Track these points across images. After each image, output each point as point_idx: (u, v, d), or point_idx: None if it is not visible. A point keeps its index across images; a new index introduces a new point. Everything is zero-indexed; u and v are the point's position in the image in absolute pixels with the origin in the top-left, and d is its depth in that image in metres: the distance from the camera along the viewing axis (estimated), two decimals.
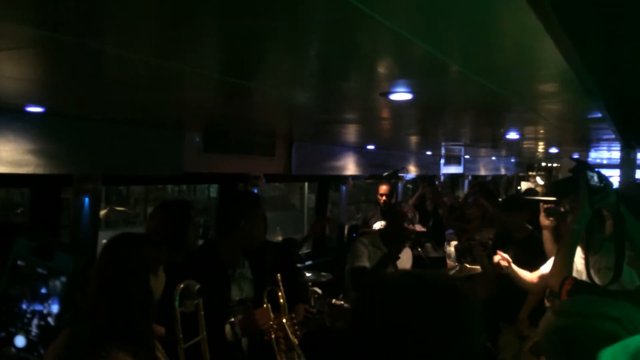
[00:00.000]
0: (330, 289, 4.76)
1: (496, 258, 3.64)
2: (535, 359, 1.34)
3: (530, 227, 4.11)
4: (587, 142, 5.91)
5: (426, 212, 6.23)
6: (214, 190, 9.48)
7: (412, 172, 7.57)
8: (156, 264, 1.68)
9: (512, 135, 4.62)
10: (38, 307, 0.75)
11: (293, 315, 2.66)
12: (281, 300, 2.59)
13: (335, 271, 4.89)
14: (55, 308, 0.74)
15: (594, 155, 8.39)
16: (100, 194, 3.45)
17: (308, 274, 4.77)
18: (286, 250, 4.20)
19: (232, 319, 2.44)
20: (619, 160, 7.77)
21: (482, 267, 4.68)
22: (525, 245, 4.07)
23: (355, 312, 1.01)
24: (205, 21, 1.30)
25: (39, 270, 0.75)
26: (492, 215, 5.58)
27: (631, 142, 5.33)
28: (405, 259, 3.91)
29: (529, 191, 7.44)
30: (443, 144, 6.23)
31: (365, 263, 3.62)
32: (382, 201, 5.58)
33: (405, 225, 3.67)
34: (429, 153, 7.64)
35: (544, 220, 3.60)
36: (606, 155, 8.14)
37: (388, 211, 4.11)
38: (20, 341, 0.74)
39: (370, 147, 6.01)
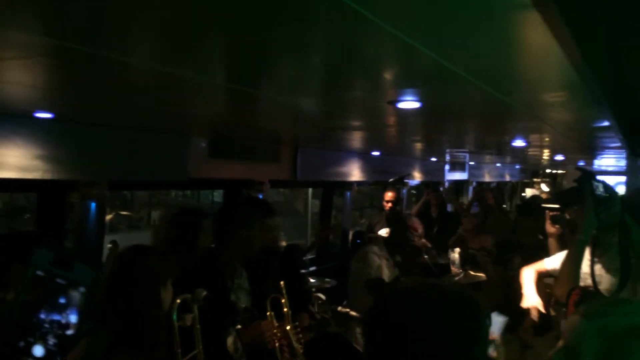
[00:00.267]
0: (334, 295, 4.75)
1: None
2: None
3: (541, 237, 4.08)
4: (593, 150, 5.89)
5: (431, 219, 6.22)
6: (217, 195, 9.50)
7: (417, 178, 7.56)
8: (165, 277, 1.70)
9: (518, 142, 4.61)
10: (57, 317, 0.75)
11: (297, 323, 2.62)
12: (285, 309, 2.55)
13: (339, 277, 4.88)
14: (73, 318, 0.74)
15: (600, 163, 8.37)
16: (106, 199, 3.46)
17: (312, 280, 4.76)
18: (289, 257, 4.20)
19: (239, 327, 2.42)
20: (624, 167, 7.74)
21: (486, 275, 4.67)
22: (532, 252, 4.05)
23: (371, 320, 1.00)
24: (212, 30, 1.31)
25: (59, 280, 0.76)
26: (494, 221, 5.58)
27: (637, 150, 5.32)
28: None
29: (534, 198, 7.43)
30: (448, 150, 6.23)
31: (380, 274, 3.62)
32: (387, 207, 5.57)
33: (416, 242, 3.67)
34: (433, 159, 7.63)
35: (550, 228, 3.59)
36: (612, 162, 8.11)
37: (396, 222, 4.10)
38: (38, 351, 0.74)
39: (375, 153, 6.01)
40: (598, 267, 2.40)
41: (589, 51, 1.57)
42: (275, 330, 2.48)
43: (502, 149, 6.04)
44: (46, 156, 2.86)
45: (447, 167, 8.27)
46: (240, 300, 2.62)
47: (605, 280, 2.37)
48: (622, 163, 7.47)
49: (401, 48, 1.45)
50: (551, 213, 3.57)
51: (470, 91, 2.07)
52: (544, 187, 12.90)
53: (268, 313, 2.50)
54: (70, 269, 0.75)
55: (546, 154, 6.73)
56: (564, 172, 12.54)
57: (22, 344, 0.75)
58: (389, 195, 5.56)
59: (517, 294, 4.05)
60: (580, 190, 2.15)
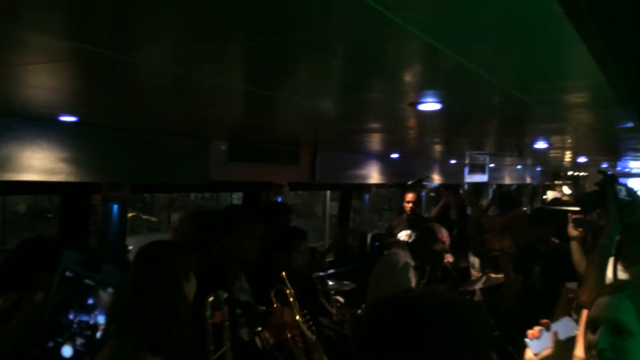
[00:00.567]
0: (352, 298, 4.74)
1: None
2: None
3: (556, 241, 4.02)
4: (617, 152, 5.79)
5: (450, 222, 6.17)
6: (237, 197, 9.55)
7: (436, 180, 7.50)
8: (186, 270, 1.70)
9: (540, 144, 4.55)
10: (85, 318, 0.75)
11: (305, 311, 2.64)
12: (291, 299, 2.56)
13: (358, 280, 4.87)
14: (101, 319, 0.75)
15: (624, 165, 8.22)
16: (129, 201, 3.50)
17: (331, 283, 4.76)
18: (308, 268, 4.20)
19: (260, 328, 2.43)
20: None
21: (506, 278, 4.61)
22: (551, 258, 3.99)
23: (367, 325, 0.97)
24: (233, 33, 1.31)
25: (87, 281, 0.76)
26: (512, 224, 5.51)
27: None
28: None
29: (555, 201, 7.32)
30: (468, 152, 6.18)
31: (405, 279, 3.63)
32: (407, 208, 5.54)
33: (436, 247, 3.67)
34: (453, 161, 7.57)
35: (572, 231, 3.53)
36: (636, 165, 7.96)
37: (422, 229, 4.08)
38: (67, 351, 0.75)
39: (394, 155, 5.98)
40: (623, 274, 2.36)
41: (614, 51, 1.54)
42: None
43: (523, 151, 5.97)
44: (70, 159, 2.91)
45: (466, 169, 8.20)
46: None
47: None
48: None
49: (424, 50, 1.44)
50: (573, 216, 3.52)
51: (492, 92, 2.05)
52: (566, 190, 12.72)
53: (275, 305, 2.50)
54: (98, 270, 0.76)
55: (568, 155, 6.63)
56: (586, 174, 12.35)
57: (51, 344, 0.76)
58: (409, 196, 5.52)
59: (535, 304, 4.00)
60: (602, 193, 2.11)
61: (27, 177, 2.72)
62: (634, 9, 1.50)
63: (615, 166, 8.35)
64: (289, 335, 2.49)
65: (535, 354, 1.42)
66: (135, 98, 2.26)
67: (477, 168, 8.41)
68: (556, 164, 9.35)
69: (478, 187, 9.35)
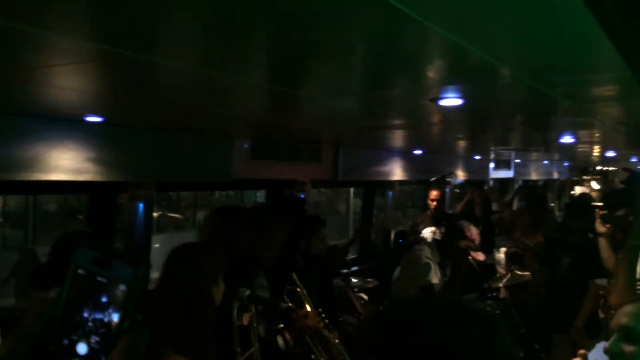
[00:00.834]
0: (376, 295, 4.73)
1: None
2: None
3: (591, 235, 3.95)
4: None
5: (475, 218, 6.10)
6: (260, 195, 9.62)
7: (460, 176, 7.43)
8: (215, 273, 1.72)
9: (566, 139, 4.47)
10: (99, 316, 0.76)
11: (320, 310, 2.65)
12: (306, 304, 2.58)
13: (382, 277, 4.85)
14: (115, 316, 0.76)
15: None
16: (154, 199, 3.56)
17: (354, 280, 4.75)
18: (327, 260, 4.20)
19: (282, 325, 2.45)
20: None
21: (532, 275, 4.56)
22: (580, 251, 3.93)
23: (367, 327, 0.96)
24: (255, 32, 1.32)
25: (99, 279, 0.77)
26: (541, 220, 5.44)
27: None
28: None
29: (583, 196, 7.18)
30: (492, 148, 6.10)
31: (434, 280, 3.62)
32: (432, 206, 5.50)
33: (471, 256, 3.66)
34: (477, 157, 7.48)
35: (600, 228, 3.47)
36: None
37: (450, 227, 4.06)
38: (82, 349, 0.76)
39: (417, 151, 5.94)
40: None
41: None
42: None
43: (549, 146, 5.86)
44: (96, 159, 2.97)
45: (491, 164, 8.09)
46: None
47: None
48: None
49: (445, 46, 1.43)
50: (601, 212, 3.45)
51: (515, 87, 2.02)
52: (594, 185, 12.45)
53: (289, 304, 2.51)
54: (110, 268, 0.77)
55: (596, 150, 6.49)
56: (616, 169, 12.06)
57: (66, 342, 0.77)
58: (433, 194, 5.48)
59: (563, 297, 3.93)
60: (629, 191, 2.06)
61: (55, 176, 2.79)
62: None
63: None
64: (307, 338, 2.51)
65: None
66: (159, 98, 2.30)
67: (502, 164, 8.29)
68: (584, 159, 9.15)
69: (503, 182, 9.23)
